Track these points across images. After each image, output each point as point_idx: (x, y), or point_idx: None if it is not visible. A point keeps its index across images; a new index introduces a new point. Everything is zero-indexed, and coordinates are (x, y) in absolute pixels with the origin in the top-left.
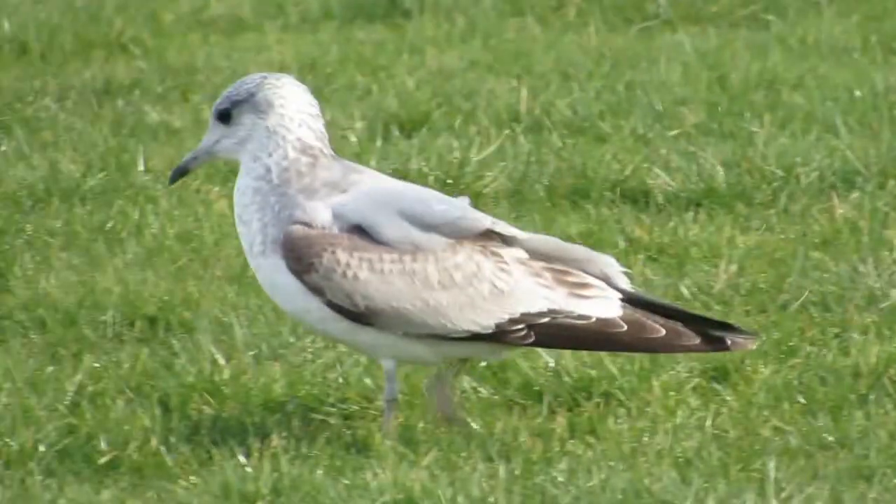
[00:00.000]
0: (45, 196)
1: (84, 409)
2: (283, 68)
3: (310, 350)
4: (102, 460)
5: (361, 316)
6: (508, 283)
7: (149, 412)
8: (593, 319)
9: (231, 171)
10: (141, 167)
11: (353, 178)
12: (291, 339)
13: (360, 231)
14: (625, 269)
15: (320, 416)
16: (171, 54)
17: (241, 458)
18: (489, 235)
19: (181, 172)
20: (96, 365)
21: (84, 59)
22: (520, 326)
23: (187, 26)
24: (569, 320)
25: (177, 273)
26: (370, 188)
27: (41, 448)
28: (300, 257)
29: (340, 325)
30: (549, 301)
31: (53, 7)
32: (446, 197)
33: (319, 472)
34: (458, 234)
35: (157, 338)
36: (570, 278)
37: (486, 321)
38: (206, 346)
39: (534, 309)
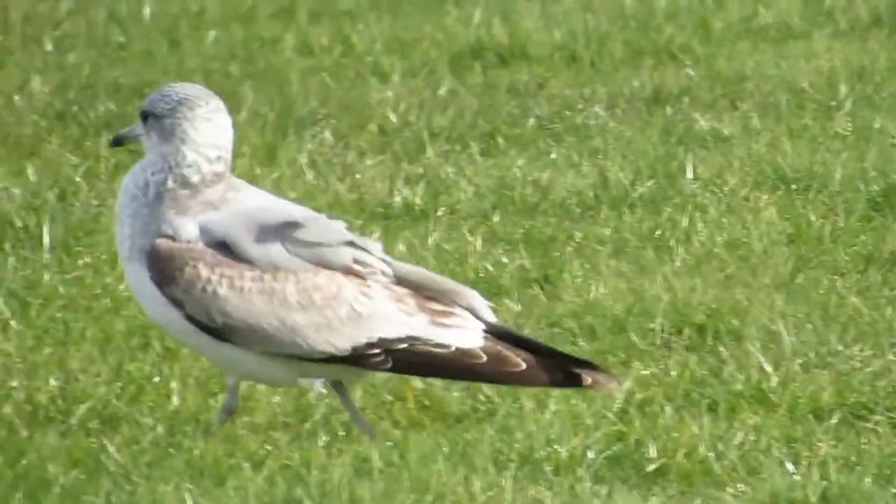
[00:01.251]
0: (594, 204)
1: (632, 417)
2: (831, 76)
3: (858, 358)
4: (651, 467)
5: (219, 332)
6: (368, 306)
7: (697, 420)
8: (452, 349)
9: (779, 179)
10: (689, 175)
11: (230, 195)
12: (839, 347)
13: (225, 248)
14: (489, 304)
15: (869, 425)
16: (721, 62)
17: (789, 466)
18: (356, 261)
19: (117, 142)
20: (645, 372)
21: (634, 67)
22: (377, 351)
23: (736, 34)
24: (427, 348)
25: (725, 281)
26: (242, 206)
27: (590, 455)
28: (162, 269)
29: (200, 339)
30: (409, 328)
31: (603, 15)
32: (321, 218)
33: (867, 480)
34: (322, 261)
35: (705, 346)
36: (433, 306)
37: (342, 344)
38: (754, 354)
39: (392, 335)
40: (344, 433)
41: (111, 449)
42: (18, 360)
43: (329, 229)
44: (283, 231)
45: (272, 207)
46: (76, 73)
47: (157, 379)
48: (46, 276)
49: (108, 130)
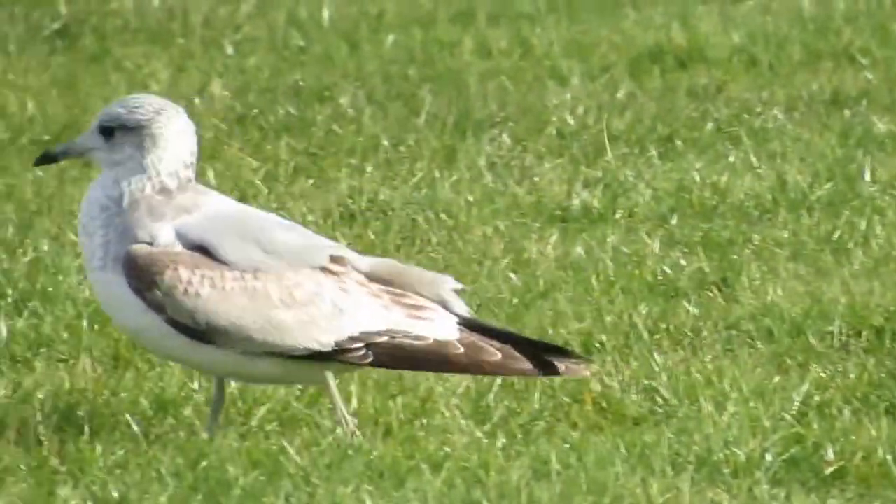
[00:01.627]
0: (772, 206)
1: (811, 419)
2: None
3: None
4: (829, 470)
5: (202, 334)
6: (348, 301)
7: (875, 422)
8: (430, 340)
9: None
10: (867, 178)
11: (200, 200)
12: None
13: (203, 251)
14: (460, 287)
15: None
16: None
17: None
18: (331, 259)
19: (50, 159)
20: (823, 375)
21: (812, 70)
22: (359, 345)
23: None
24: (407, 340)
25: None
26: (215, 210)
27: (768, 457)
28: (142, 275)
29: (180, 343)
30: (387, 321)
31: (782, 18)
32: (291, 223)
33: None
34: (299, 262)
35: (883, 348)
36: (406, 300)
37: (325, 339)
38: None
39: (372, 328)
40: (522, 436)
41: (291, 451)
42: None
43: (301, 232)
44: (257, 233)
45: (244, 211)
46: (256, 76)
47: (337, 381)
48: None
49: (288, 133)
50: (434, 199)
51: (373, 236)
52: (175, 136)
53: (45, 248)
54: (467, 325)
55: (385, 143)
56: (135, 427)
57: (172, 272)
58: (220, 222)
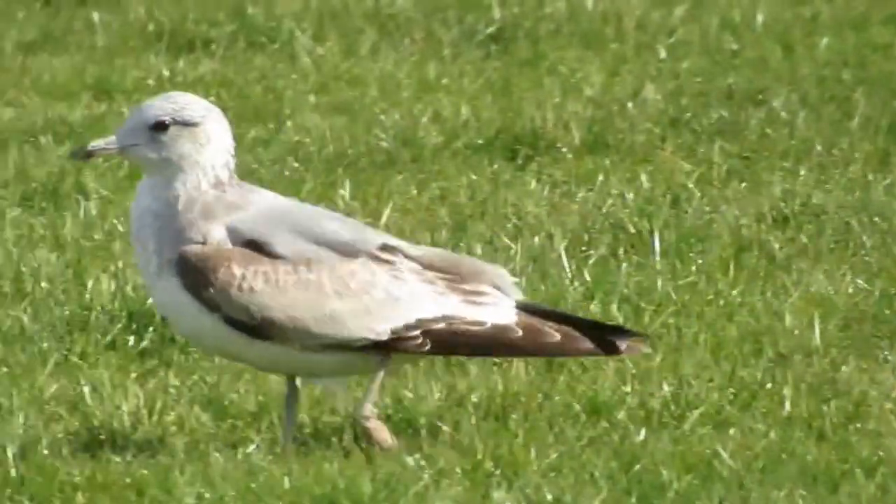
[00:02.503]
0: None
1: None
2: None
3: None
4: None
5: (258, 329)
6: (403, 289)
7: None
8: (488, 325)
9: None
10: None
11: (250, 197)
12: None
13: (255, 246)
14: (515, 280)
15: None
16: None
17: None
18: (382, 248)
19: (87, 155)
20: None
21: None
22: (415, 333)
23: None
24: (464, 326)
25: None
26: (266, 206)
27: None
28: (195, 274)
29: (237, 341)
30: (444, 307)
31: None
32: (340, 216)
33: None
34: (352, 252)
35: None
36: (463, 286)
37: (381, 327)
38: None
39: (428, 315)
40: None
41: (724, 454)
42: (632, 365)
43: (353, 225)
44: (308, 226)
45: (293, 205)
46: (689, 80)
47: (769, 385)
48: (659, 282)
49: (721, 137)
50: (867, 202)
51: (805, 240)
52: (223, 134)
53: (479, 251)
54: (524, 309)
55: (818, 146)
56: (569, 431)
57: (225, 269)
58: (270, 217)
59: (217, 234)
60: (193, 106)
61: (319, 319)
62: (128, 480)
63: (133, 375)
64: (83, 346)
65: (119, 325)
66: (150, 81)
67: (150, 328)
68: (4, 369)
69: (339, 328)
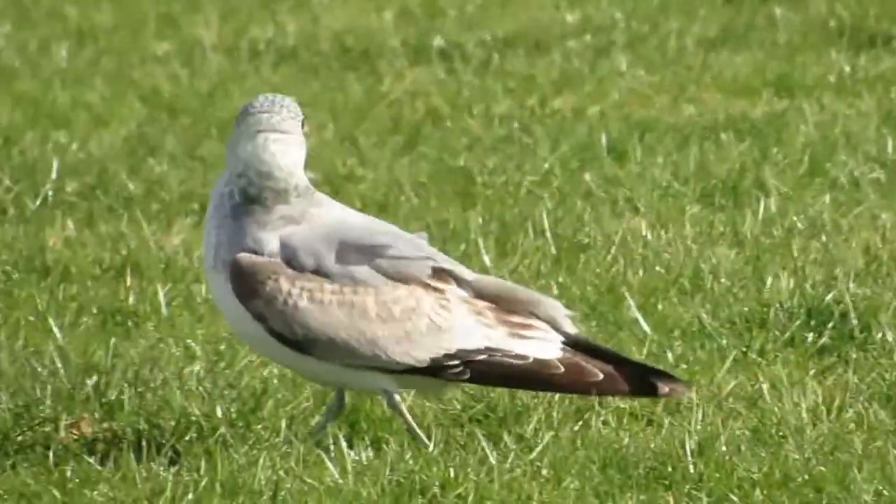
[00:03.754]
0: None
1: None
2: None
3: None
4: None
5: (300, 344)
6: (447, 319)
7: None
8: (531, 360)
9: None
10: None
11: (312, 211)
12: None
13: (305, 262)
14: (569, 313)
15: None
16: None
17: None
18: (435, 274)
19: None
20: None
21: None
22: (455, 362)
23: None
24: (506, 359)
25: None
26: (324, 221)
27: None
28: (244, 284)
29: (283, 352)
30: (487, 339)
31: None
32: (402, 234)
33: None
34: (402, 275)
35: None
36: (512, 318)
37: (421, 355)
38: None
39: (470, 346)
40: None
41: None
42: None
43: (410, 244)
44: (362, 245)
45: (353, 222)
46: None
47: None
48: None
49: None
50: None
51: None
52: (297, 143)
53: None
54: (573, 344)
55: None
56: None
57: (273, 283)
58: (325, 233)
59: (271, 245)
60: (286, 107)
61: (360, 342)
62: (805, 477)
63: (811, 372)
64: (762, 342)
65: (797, 322)
66: (831, 78)
67: (829, 325)
68: (683, 366)
69: (380, 352)
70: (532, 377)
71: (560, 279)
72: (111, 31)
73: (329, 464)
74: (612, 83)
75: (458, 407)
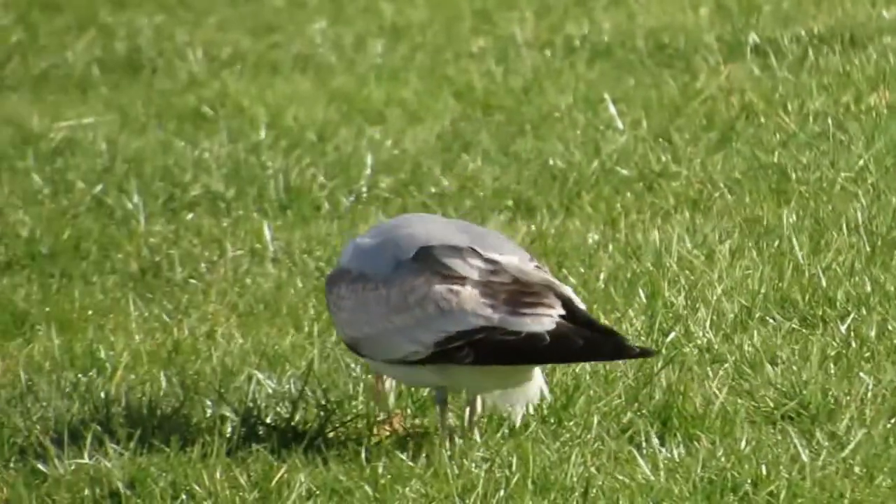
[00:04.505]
0: None
1: None
2: None
3: None
4: None
5: (350, 346)
6: (452, 303)
7: None
8: (522, 335)
9: None
10: None
11: (384, 222)
12: None
13: (356, 266)
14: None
15: None
16: None
17: None
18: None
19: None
20: None
21: None
22: (460, 344)
23: None
24: (501, 337)
25: None
26: (388, 224)
27: None
28: (326, 295)
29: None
30: (486, 319)
31: None
32: (475, 232)
33: None
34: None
35: None
36: (525, 298)
37: (429, 340)
38: None
39: (469, 326)
40: None
41: None
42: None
43: (465, 238)
44: (402, 242)
45: (408, 221)
46: None
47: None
48: None
49: None
50: None
51: None
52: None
53: None
54: (580, 322)
55: None
56: None
57: (336, 290)
58: (377, 236)
59: (346, 255)
60: None
61: (383, 334)
62: None
63: None
64: None
65: None
66: None
67: None
68: None
69: (397, 342)
70: (521, 350)
71: (874, 276)
72: (426, 27)
73: (640, 461)
74: None
75: (771, 405)
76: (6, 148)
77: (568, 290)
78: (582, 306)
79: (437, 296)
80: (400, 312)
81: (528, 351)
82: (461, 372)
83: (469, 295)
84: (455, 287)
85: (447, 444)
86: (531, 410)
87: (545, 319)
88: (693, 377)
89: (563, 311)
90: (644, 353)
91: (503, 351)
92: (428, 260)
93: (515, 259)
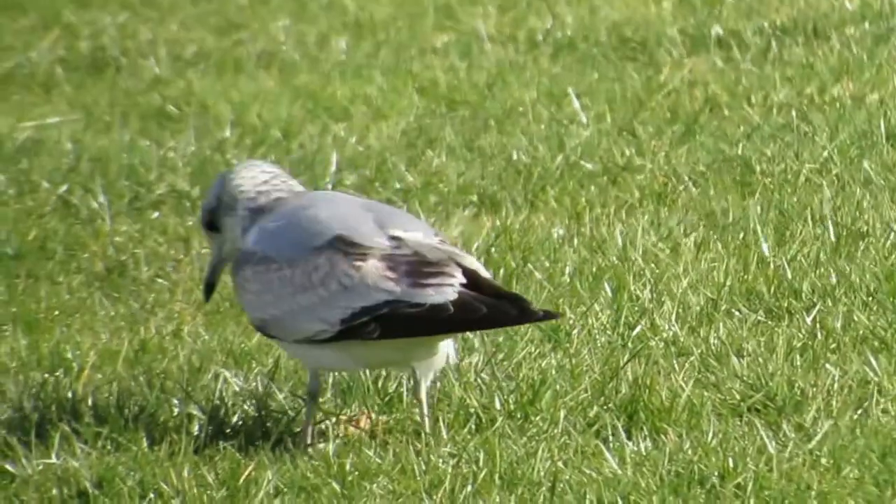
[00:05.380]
0: None
1: None
2: None
3: None
4: None
5: (259, 328)
6: (354, 279)
7: None
8: (426, 306)
9: None
10: None
11: (288, 202)
12: None
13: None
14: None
15: None
16: None
17: None
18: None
19: (210, 288)
20: None
21: None
22: (365, 320)
23: None
24: (405, 310)
25: None
26: (284, 209)
27: None
28: (232, 278)
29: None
30: (388, 293)
31: None
32: (379, 209)
33: None
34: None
35: None
36: (426, 269)
37: (333, 317)
38: None
39: (372, 302)
40: None
41: None
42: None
43: (374, 217)
44: (307, 224)
45: (310, 202)
46: None
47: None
48: None
49: None
50: None
51: None
52: (245, 179)
53: None
54: (476, 287)
55: None
56: None
57: (241, 272)
58: (281, 218)
59: (249, 241)
60: (210, 191)
61: (290, 315)
62: None
63: None
64: None
65: None
66: None
67: None
68: None
69: (304, 322)
70: (426, 322)
71: (839, 267)
72: (389, 24)
73: (607, 454)
74: (892, 70)
75: (737, 397)
76: None
77: (472, 260)
78: (487, 275)
79: (340, 272)
80: (305, 291)
81: (434, 321)
82: (370, 347)
83: (370, 269)
84: (357, 262)
85: (308, 437)
86: (434, 388)
87: (447, 289)
88: (659, 370)
89: (464, 280)
90: (548, 315)
91: (408, 323)
92: (331, 239)
93: (419, 234)
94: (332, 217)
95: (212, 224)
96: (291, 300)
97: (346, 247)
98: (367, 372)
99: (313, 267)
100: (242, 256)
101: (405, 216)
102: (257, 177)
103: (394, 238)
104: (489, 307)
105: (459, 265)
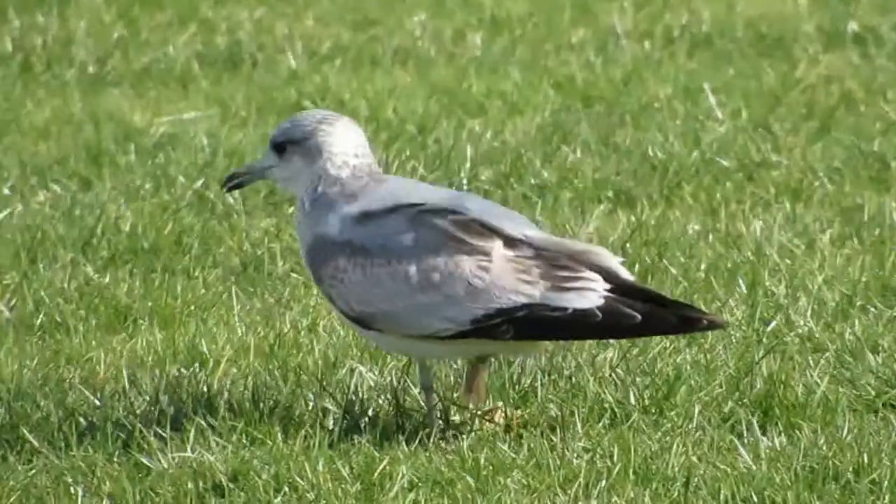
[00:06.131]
0: None
1: None
2: None
3: None
4: None
5: (360, 320)
6: (485, 280)
7: None
8: (570, 311)
9: None
10: None
11: (370, 186)
12: None
13: (356, 237)
14: (620, 259)
15: None
16: None
17: None
18: (479, 232)
19: (237, 185)
20: None
21: None
22: (498, 321)
23: None
24: (545, 313)
25: None
26: (376, 195)
27: None
28: (312, 268)
29: (356, 329)
30: (528, 296)
31: None
32: (463, 196)
33: None
34: (447, 234)
35: None
36: (559, 272)
37: (463, 318)
38: None
39: (509, 304)
40: None
41: None
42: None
43: (455, 205)
44: (408, 211)
45: (404, 191)
46: None
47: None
48: None
49: None
50: None
51: None
52: (338, 139)
53: None
54: (622, 290)
55: None
56: None
57: (334, 262)
58: (375, 205)
59: (332, 226)
60: (304, 121)
61: (407, 312)
62: None
63: None
64: None
65: None
66: None
67: None
68: None
69: (424, 320)
70: (571, 327)
71: None
72: (525, 20)
73: (742, 450)
74: None
75: (872, 393)
76: (108, 143)
77: (607, 256)
78: (627, 274)
79: (467, 273)
80: (425, 291)
81: (579, 326)
82: (490, 345)
83: (501, 269)
84: (483, 263)
85: (436, 426)
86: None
87: (590, 294)
88: (794, 366)
89: (607, 285)
90: (713, 324)
91: (549, 327)
92: (444, 234)
93: (534, 231)
94: (434, 207)
95: (281, 147)
96: (409, 297)
97: (463, 244)
98: (504, 363)
99: (432, 265)
100: (330, 246)
101: (503, 209)
102: (350, 144)
103: (505, 235)
104: (644, 315)
105: (595, 264)
